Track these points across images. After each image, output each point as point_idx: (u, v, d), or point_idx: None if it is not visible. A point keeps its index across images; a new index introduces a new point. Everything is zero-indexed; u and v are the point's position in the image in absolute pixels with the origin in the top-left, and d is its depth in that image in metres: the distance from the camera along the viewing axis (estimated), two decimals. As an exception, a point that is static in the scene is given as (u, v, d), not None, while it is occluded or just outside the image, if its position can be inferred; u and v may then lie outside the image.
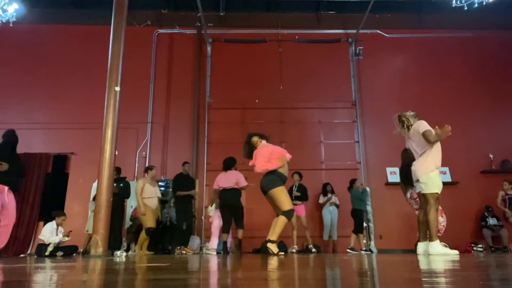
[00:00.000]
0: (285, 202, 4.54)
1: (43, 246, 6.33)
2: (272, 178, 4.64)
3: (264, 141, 4.99)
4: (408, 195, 6.07)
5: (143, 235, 6.69)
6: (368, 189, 8.56)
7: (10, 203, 5.48)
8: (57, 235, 6.45)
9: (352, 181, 7.98)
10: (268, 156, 4.75)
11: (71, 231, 6.64)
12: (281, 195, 4.57)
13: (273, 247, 4.48)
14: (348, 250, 7.57)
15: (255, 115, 9.22)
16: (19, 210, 8.43)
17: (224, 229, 6.77)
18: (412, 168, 4.65)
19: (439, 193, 4.47)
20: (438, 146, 4.58)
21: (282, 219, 4.49)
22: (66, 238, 6.51)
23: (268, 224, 6.65)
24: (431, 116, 9.08)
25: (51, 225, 6.50)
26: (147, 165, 7.43)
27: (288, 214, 4.50)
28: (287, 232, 7.72)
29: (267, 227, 6.82)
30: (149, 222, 6.69)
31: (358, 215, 7.78)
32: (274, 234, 4.51)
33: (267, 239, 4.57)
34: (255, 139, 4.96)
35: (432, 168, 4.46)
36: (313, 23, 10.13)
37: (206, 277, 1.87)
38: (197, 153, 9.08)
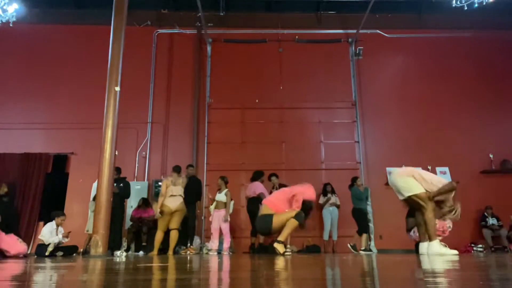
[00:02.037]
0: (288, 215, 4.58)
1: (43, 246, 6.33)
2: (264, 218, 4.73)
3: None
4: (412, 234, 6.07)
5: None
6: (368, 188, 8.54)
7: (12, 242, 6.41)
8: (57, 235, 6.45)
9: (354, 179, 7.77)
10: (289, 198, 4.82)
11: (70, 232, 6.64)
12: (280, 219, 4.61)
13: (279, 247, 4.55)
14: (361, 252, 7.27)
15: (255, 115, 9.23)
16: (19, 210, 8.46)
17: (251, 232, 7.28)
18: (390, 177, 4.72)
19: (425, 191, 4.44)
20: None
21: (292, 222, 4.54)
22: (66, 239, 6.51)
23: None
24: (431, 116, 9.14)
25: (51, 225, 6.50)
26: (176, 165, 7.19)
27: (298, 217, 4.54)
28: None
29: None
30: None
31: (358, 215, 7.55)
32: (282, 235, 4.60)
33: (275, 239, 4.68)
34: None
35: (408, 174, 4.55)
36: (313, 23, 10.13)
37: (205, 277, 1.86)
38: (197, 153, 9.07)
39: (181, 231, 7.22)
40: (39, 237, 6.60)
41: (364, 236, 7.55)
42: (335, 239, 7.94)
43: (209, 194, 7.52)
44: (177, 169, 6.87)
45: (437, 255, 4.14)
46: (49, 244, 6.32)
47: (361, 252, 7.28)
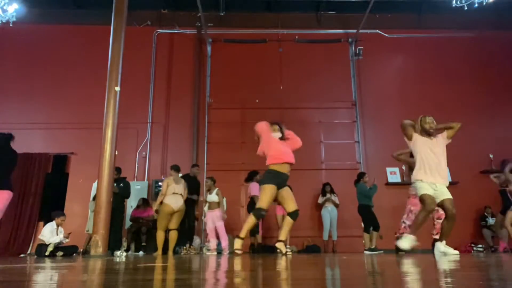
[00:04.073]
0: (261, 200, 4.57)
1: (43, 246, 6.33)
2: (264, 174, 4.74)
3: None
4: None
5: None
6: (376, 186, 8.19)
7: None
8: (57, 235, 6.45)
9: (360, 175, 7.52)
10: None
11: (70, 233, 6.63)
12: (262, 192, 4.59)
13: (281, 246, 4.64)
14: (368, 251, 7.03)
15: (255, 115, 9.17)
16: (19, 210, 8.47)
17: (251, 232, 7.12)
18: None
19: (425, 194, 4.45)
20: (419, 156, 4.61)
21: (288, 220, 4.60)
22: (66, 240, 6.50)
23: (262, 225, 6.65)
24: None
25: (51, 225, 6.50)
26: (175, 164, 6.96)
27: (256, 211, 4.53)
28: (275, 233, 7.76)
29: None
30: None
31: (364, 212, 7.24)
32: (283, 234, 4.66)
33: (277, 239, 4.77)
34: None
35: (416, 177, 4.56)
36: (313, 23, 10.13)
37: (205, 276, 1.87)
38: (197, 153, 9.07)
39: (181, 231, 7.23)
40: (39, 237, 6.59)
41: (368, 235, 7.29)
42: (335, 239, 7.93)
43: (201, 197, 7.48)
44: (177, 168, 6.80)
45: (441, 255, 4.36)
46: (49, 244, 6.32)
47: (365, 252, 7.01)
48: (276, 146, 4.70)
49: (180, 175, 7.96)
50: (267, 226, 8.03)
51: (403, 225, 6.19)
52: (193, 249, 7.14)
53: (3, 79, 9.50)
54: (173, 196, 6.40)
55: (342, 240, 8.00)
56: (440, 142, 4.68)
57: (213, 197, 7.08)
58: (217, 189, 7.11)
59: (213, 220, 7.02)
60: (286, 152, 4.70)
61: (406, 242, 4.41)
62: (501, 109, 9.47)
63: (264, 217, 7.12)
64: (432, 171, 4.51)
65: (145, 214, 7.66)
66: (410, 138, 4.70)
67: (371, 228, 7.26)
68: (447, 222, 4.47)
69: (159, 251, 6.40)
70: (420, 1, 9.91)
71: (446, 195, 4.45)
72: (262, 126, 4.83)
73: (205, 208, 7.29)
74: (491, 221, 8.23)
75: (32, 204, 8.55)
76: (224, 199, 7.42)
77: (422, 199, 4.45)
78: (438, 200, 4.47)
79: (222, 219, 6.97)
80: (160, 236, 6.44)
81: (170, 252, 6.42)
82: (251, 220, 4.54)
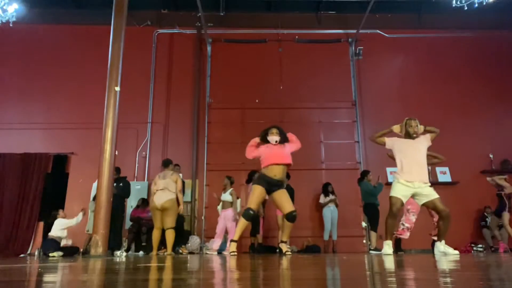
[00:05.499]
0: (249, 200, 4.72)
1: (51, 242, 6.38)
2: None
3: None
4: None
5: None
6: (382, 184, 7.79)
7: None
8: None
9: (364, 173, 7.48)
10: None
11: (83, 208, 6.90)
12: (250, 193, 4.79)
13: (284, 247, 4.80)
14: (371, 251, 6.99)
15: (255, 115, 9.22)
16: (19, 210, 8.47)
17: (251, 232, 7.34)
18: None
19: (394, 196, 4.58)
20: (399, 158, 4.71)
21: (288, 224, 4.71)
22: (82, 216, 6.78)
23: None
24: (431, 116, 9.15)
25: (59, 220, 6.69)
26: (164, 159, 6.86)
27: (244, 212, 4.65)
28: (275, 233, 7.76)
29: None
30: None
31: (371, 210, 7.20)
32: (286, 235, 4.83)
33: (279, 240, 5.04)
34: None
35: (395, 177, 4.69)
36: (313, 23, 10.13)
37: (206, 276, 1.87)
38: (197, 153, 9.07)
39: (179, 231, 7.21)
40: (50, 234, 6.64)
41: (375, 234, 7.21)
42: (335, 239, 7.92)
43: (214, 194, 7.46)
44: (164, 163, 6.57)
45: (441, 254, 4.41)
46: (60, 239, 6.46)
47: (372, 252, 6.91)
48: (264, 152, 4.81)
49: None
50: (267, 227, 8.03)
51: (402, 227, 6.18)
52: (184, 250, 7.15)
53: (3, 79, 9.50)
54: (157, 193, 6.20)
55: (342, 240, 7.99)
56: (422, 142, 4.71)
57: (226, 196, 7.11)
58: (231, 189, 7.15)
59: (225, 219, 7.03)
60: (273, 154, 4.71)
61: (387, 248, 4.55)
62: (501, 109, 9.47)
63: (256, 217, 7.13)
64: (413, 169, 4.54)
65: (145, 214, 7.66)
66: (384, 145, 4.84)
67: (369, 227, 7.27)
68: (443, 222, 4.50)
69: (154, 252, 6.28)
70: (420, 1, 9.90)
71: (433, 195, 4.48)
72: (249, 152, 5.01)
73: (219, 207, 7.31)
74: (491, 221, 8.23)
75: (32, 204, 8.55)
76: (239, 200, 7.38)
77: (391, 201, 4.57)
78: (425, 201, 4.52)
79: (234, 220, 6.97)
80: (154, 234, 6.30)
81: (169, 251, 6.38)
82: (241, 221, 4.61)
